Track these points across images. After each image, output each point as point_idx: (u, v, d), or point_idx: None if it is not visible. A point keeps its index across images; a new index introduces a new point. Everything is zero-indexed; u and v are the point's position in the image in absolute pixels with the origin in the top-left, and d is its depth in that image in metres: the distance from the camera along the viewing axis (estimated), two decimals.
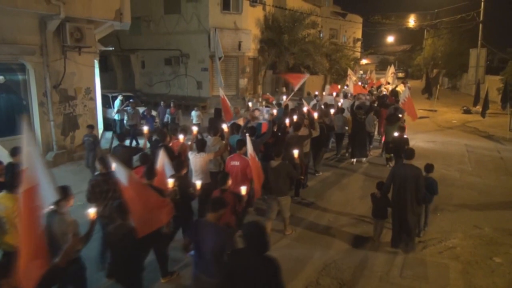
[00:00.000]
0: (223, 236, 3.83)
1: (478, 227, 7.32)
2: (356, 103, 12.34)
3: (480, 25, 27.12)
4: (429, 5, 37.43)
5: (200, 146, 6.57)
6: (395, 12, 41.57)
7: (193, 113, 13.41)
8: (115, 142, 12.46)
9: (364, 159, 11.35)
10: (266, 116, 10.39)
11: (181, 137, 7.21)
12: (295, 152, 6.82)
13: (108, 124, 14.08)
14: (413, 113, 13.19)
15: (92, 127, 9.90)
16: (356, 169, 10.90)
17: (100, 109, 12.77)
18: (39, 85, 10.41)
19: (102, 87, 13.47)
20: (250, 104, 13.44)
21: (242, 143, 6.40)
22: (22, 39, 9.81)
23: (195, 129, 7.57)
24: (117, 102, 14.10)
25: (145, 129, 7.57)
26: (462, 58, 32.26)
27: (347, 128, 11.59)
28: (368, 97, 15.44)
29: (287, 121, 8.92)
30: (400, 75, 40.37)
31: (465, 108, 22.39)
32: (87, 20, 10.72)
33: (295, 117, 9.35)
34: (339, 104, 13.26)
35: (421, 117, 18.25)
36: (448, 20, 33.93)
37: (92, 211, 4.04)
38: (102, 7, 10.91)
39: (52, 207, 4.01)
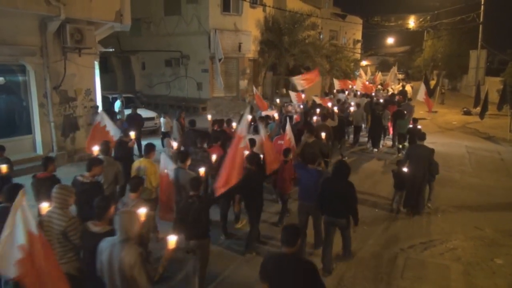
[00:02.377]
0: (321, 175, 5.99)
1: (479, 228, 7.31)
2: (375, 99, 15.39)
3: (480, 26, 27.12)
4: (429, 7, 37.44)
5: (256, 130, 8.74)
6: (395, 13, 41.55)
7: (162, 120, 12.74)
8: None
9: (375, 149, 13.05)
10: (298, 110, 13.39)
11: (234, 124, 9.37)
12: (323, 134, 8.70)
13: None
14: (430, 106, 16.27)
15: (3, 149, 6.79)
16: (374, 155, 12.76)
17: (100, 110, 12.76)
18: (39, 86, 10.40)
19: (103, 89, 13.46)
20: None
21: (283, 128, 8.63)
22: (22, 40, 9.80)
23: (249, 117, 9.62)
24: (117, 103, 14.08)
25: (209, 117, 10.48)
26: (462, 60, 32.22)
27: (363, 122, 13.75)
28: (384, 95, 18.44)
29: (314, 117, 11.12)
30: (400, 76, 40.48)
31: (465, 109, 22.40)
32: (87, 22, 10.71)
33: (317, 110, 11.76)
34: (351, 102, 14.99)
35: (421, 118, 18.24)
36: (448, 22, 33.95)
37: (202, 170, 5.79)
38: (102, 9, 10.91)
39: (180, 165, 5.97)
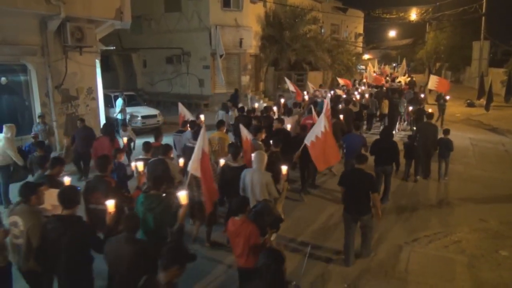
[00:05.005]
0: (364, 138, 8.51)
1: (483, 220, 7.28)
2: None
3: (483, 17, 26.91)
4: None
5: (289, 112, 11.04)
6: (397, 6, 41.18)
7: (121, 134, 12.15)
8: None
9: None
10: (324, 95, 15.13)
11: (275, 108, 11.56)
12: (341, 117, 10.22)
13: (111, 123, 14.06)
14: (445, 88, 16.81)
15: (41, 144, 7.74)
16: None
17: (102, 108, 12.77)
18: (41, 86, 10.42)
19: (104, 87, 13.47)
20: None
21: (310, 110, 10.29)
22: (23, 39, 9.81)
23: (282, 100, 12.69)
24: (119, 102, 14.08)
25: (256, 105, 12.67)
26: (465, 51, 32.00)
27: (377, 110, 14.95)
28: (400, 84, 21.51)
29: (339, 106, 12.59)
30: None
31: (468, 101, 22.23)
32: (87, 20, 10.70)
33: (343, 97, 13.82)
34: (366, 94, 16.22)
35: None
36: (450, 13, 33.71)
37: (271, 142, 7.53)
38: (102, 7, 10.89)
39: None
